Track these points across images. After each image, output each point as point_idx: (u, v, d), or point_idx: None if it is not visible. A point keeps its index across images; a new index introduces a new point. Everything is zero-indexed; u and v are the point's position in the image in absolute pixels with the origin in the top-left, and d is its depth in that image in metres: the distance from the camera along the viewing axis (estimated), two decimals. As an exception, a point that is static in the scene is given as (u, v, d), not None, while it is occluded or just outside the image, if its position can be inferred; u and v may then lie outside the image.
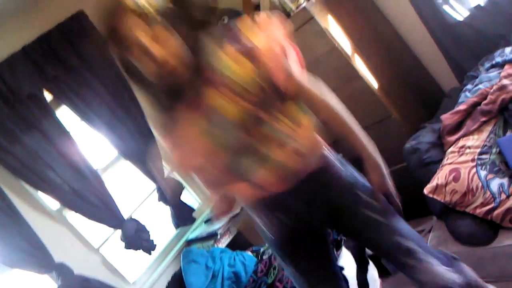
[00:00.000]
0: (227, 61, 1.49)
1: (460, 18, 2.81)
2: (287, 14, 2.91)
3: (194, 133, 1.56)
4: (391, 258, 1.69)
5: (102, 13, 1.50)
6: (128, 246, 3.27)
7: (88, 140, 3.50)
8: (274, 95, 1.53)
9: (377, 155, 1.66)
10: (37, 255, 2.88)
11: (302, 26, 2.80)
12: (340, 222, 1.71)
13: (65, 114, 3.36)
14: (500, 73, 2.43)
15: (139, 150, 3.46)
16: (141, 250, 3.33)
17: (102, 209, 3.20)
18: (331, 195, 1.66)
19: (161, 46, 1.45)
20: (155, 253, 3.46)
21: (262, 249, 3.05)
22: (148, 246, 3.33)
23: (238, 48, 1.50)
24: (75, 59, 3.33)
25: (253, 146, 1.53)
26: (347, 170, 1.72)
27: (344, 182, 1.68)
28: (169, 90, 1.57)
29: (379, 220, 1.66)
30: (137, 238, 3.26)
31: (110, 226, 3.27)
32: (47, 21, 3.29)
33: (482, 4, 2.71)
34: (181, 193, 3.63)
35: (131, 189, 3.73)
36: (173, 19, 1.47)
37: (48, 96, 3.26)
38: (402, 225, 1.69)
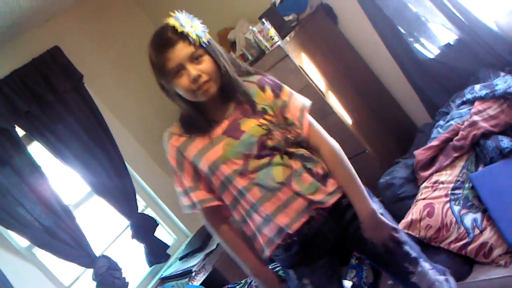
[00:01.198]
0: (263, 97, 1.72)
1: (431, 56, 2.88)
2: (262, 52, 2.95)
3: (226, 154, 1.67)
4: (397, 266, 1.79)
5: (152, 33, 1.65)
6: (100, 286, 3.18)
7: (60, 175, 3.44)
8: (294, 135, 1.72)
9: (364, 212, 1.75)
10: (3, 296, 2.78)
11: (277, 64, 2.84)
12: (348, 233, 1.79)
13: (37, 149, 3.31)
14: (470, 109, 2.48)
15: (113, 186, 3.41)
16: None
17: (73, 247, 3.12)
18: (346, 210, 1.76)
19: (198, 65, 1.59)
20: (128, 292, 3.37)
21: (237, 287, 3.00)
22: (121, 285, 3.25)
23: (271, 86, 1.75)
24: (49, 94, 3.31)
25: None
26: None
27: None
28: (202, 111, 1.69)
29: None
30: (109, 276, 3.18)
31: (81, 265, 3.18)
32: (21, 56, 3.28)
33: (451, 43, 2.79)
34: (155, 229, 3.58)
35: (104, 226, 3.65)
36: (212, 49, 1.64)
37: (20, 131, 3.21)
38: (406, 237, 1.83)
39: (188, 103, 1.66)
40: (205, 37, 1.62)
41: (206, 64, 1.60)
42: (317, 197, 1.68)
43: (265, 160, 1.66)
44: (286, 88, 1.78)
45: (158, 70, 1.61)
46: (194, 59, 1.58)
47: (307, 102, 1.79)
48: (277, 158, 1.67)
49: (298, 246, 1.74)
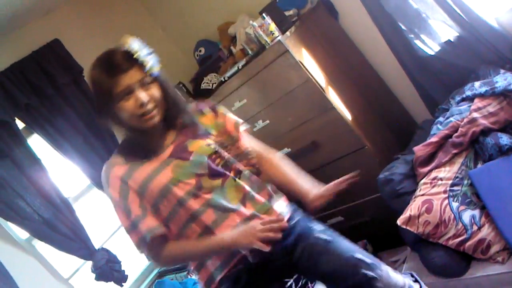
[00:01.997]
0: (205, 120, 1.79)
1: (431, 53, 2.87)
2: (262, 46, 2.95)
3: (177, 176, 1.66)
4: (355, 273, 1.68)
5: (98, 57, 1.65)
6: (98, 278, 3.19)
7: (60, 168, 3.44)
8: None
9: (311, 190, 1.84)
10: (3, 287, 2.78)
11: (277, 59, 2.84)
12: (294, 256, 1.77)
13: (37, 142, 3.31)
14: (470, 106, 2.49)
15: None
16: (112, 282, 3.25)
17: (72, 239, 3.13)
18: (290, 233, 1.78)
19: (146, 91, 1.59)
20: (126, 285, 3.37)
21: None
22: (120, 277, 3.26)
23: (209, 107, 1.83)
24: (49, 87, 3.30)
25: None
26: (298, 212, 1.88)
27: (299, 220, 1.84)
28: (145, 137, 1.68)
29: (333, 240, 1.76)
30: (108, 269, 3.18)
31: (80, 257, 3.19)
32: (21, 49, 3.27)
33: (452, 40, 2.79)
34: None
35: (103, 218, 3.66)
36: (162, 79, 1.66)
37: (20, 124, 3.21)
38: (355, 245, 1.80)
39: (130, 128, 1.65)
40: (157, 67, 1.63)
41: (154, 91, 1.61)
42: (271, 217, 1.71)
43: (218, 182, 1.68)
44: (221, 108, 1.86)
45: (103, 93, 1.58)
46: (143, 85, 1.59)
47: (240, 120, 1.89)
48: (230, 180, 1.70)
49: (246, 277, 1.74)
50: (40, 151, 3.24)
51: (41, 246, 3.17)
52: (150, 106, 1.58)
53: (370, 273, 1.66)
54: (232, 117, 1.87)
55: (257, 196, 1.75)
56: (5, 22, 3.12)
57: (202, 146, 1.69)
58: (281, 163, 1.93)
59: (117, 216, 1.72)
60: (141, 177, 1.65)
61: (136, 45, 1.61)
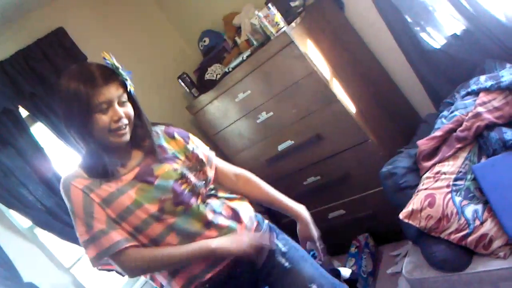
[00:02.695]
0: (174, 144, 1.80)
1: (437, 46, 2.86)
2: (267, 37, 2.93)
3: (139, 199, 1.64)
4: None
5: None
6: (101, 268, 3.19)
7: (63, 157, 3.45)
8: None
9: (300, 207, 1.93)
10: (5, 274, 2.80)
11: (282, 50, 2.83)
12: (258, 270, 1.82)
13: (40, 131, 3.31)
14: (475, 100, 2.47)
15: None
16: (114, 272, 3.26)
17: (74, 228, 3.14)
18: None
19: (122, 107, 1.61)
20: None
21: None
22: (122, 267, 3.26)
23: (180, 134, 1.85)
24: (53, 75, 3.29)
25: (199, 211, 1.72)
26: (264, 221, 1.94)
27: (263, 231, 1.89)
28: (107, 151, 1.65)
29: (292, 268, 1.81)
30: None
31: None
32: (25, 37, 3.27)
33: (458, 33, 2.77)
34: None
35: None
36: (135, 99, 1.71)
37: (23, 112, 3.21)
38: (318, 272, 1.85)
39: (97, 144, 1.62)
40: (132, 84, 1.66)
41: (129, 109, 1.64)
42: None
43: (181, 208, 1.67)
44: (193, 137, 1.89)
45: (79, 102, 1.53)
46: (121, 101, 1.61)
47: (212, 153, 1.93)
48: (194, 208, 1.69)
49: (232, 282, 1.76)
50: (43, 139, 3.25)
51: (43, 235, 3.18)
52: (124, 122, 1.60)
53: None
54: (205, 149, 1.92)
55: (220, 221, 1.74)
56: (10, 9, 3.12)
57: (169, 171, 1.69)
58: (259, 182, 1.97)
59: (75, 227, 1.66)
60: (103, 194, 1.62)
61: (115, 62, 1.64)
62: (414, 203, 2.32)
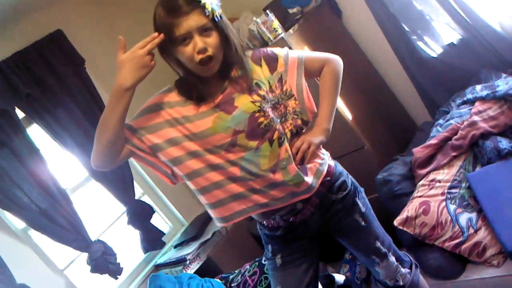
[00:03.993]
0: (259, 72, 1.71)
1: (434, 55, 2.88)
2: (265, 43, 2.94)
3: (215, 127, 1.63)
4: (366, 256, 1.92)
5: None
6: (94, 270, 3.19)
7: (58, 159, 3.44)
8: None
9: (320, 126, 1.83)
10: (-2, 276, 2.79)
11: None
12: (330, 222, 1.85)
13: (36, 132, 3.31)
14: (470, 109, 2.49)
15: (111, 172, 3.41)
16: (107, 274, 3.25)
17: (69, 230, 3.13)
18: (336, 200, 1.82)
19: (205, 38, 1.54)
20: (121, 278, 3.38)
21: (231, 277, 3.01)
22: (115, 270, 3.26)
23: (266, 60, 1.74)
24: (50, 77, 3.30)
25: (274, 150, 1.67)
26: (349, 178, 1.90)
27: (348, 190, 1.85)
28: (199, 81, 1.64)
29: (366, 227, 1.87)
30: (103, 261, 3.19)
31: (76, 248, 3.19)
32: (23, 38, 3.27)
33: (454, 43, 2.79)
34: (151, 216, 3.59)
35: (100, 211, 3.66)
36: (223, 26, 1.60)
37: (20, 113, 3.21)
38: (381, 230, 1.93)
39: (187, 71, 1.63)
40: (219, 11, 1.57)
41: (214, 39, 1.56)
42: (301, 188, 1.71)
43: (253, 143, 1.64)
44: (281, 57, 1.76)
45: (163, 32, 1.54)
46: (203, 31, 1.54)
47: (302, 57, 1.80)
48: (265, 145, 1.65)
49: (282, 230, 1.82)
50: (39, 141, 3.24)
51: (37, 236, 3.17)
52: (208, 53, 1.54)
53: (377, 260, 1.89)
54: (292, 58, 1.78)
55: (290, 166, 1.69)
56: (9, 11, 3.12)
57: (247, 102, 1.65)
58: (326, 80, 1.90)
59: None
60: (185, 112, 1.65)
61: None
62: (409, 210, 2.33)
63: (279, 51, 1.76)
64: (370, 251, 1.89)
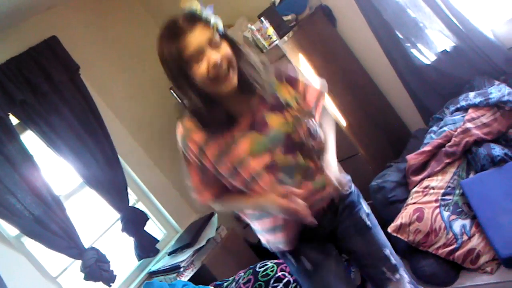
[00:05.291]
0: (284, 90, 1.67)
1: (427, 62, 2.89)
2: (259, 50, 2.95)
3: (253, 150, 1.60)
4: (376, 267, 1.79)
5: (165, 19, 1.53)
6: (87, 277, 3.17)
7: (52, 165, 3.43)
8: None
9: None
10: (-10, 283, 2.77)
11: (274, 63, 2.84)
12: (338, 223, 1.82)
13: (30, 139, 3.30)
14: (464, 116, 2.50)
15: (105, 178, 3.41)
16: (100, 282, 3.23)
17: (62, 237, 3.11)
18: (344, 197, 1.82)
19: (217, 51, 1.49)
20: (115, 285, 3.36)
21: (225, 284, 3.00)
22: (108, 277, 3.24)
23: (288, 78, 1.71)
24: (45, 84, 3.30)
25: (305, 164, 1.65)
26: (352, 184, 1.90)
27: (353, 188, 1.88)
28: (222, 105, 1.58)
29: (373, 228, 1.83)
30: (97, 268, 3.17)
31: (69, 256, 3.17)
32: (18, 44, 3.27)
33: (448, 50, 2.80)
34: (145, 223, 3.57)
35: (94, 218, 3.65)
36: (231, 37, 1.58)
37: (14, 119, 3.20)
38: (388, 242, 1.85)
39: (205, 97, 1.53)
40: (221, 23, 1.54)
41: (226, 50, 1.51)
42: (326, 191, 1.70)
43: (290, 158, 1.61)
44: (301, 79, 1.73)
45: (174, 61, 1.48)
46: (213, 44, 1.49)
47: (324, 87, 1.80)
48: (300, 158, 1.63)
49: (299, 235, 1.77)
50: (33, 147, 3.23)
51: (30, 244, 3.15)
52: (224, 66, 1.49)
53: (388, 274, 1.77)
54: (313, 88, 1.76)
55: (316, 171, 1.69)
56: (4, 16, 3.12)
57: (281, 122, 1.61)
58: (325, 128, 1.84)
59: (188, 172, 1.71)
60: (218, 147, 1.59)
61: (195, 4, 1.51)
62: (403, 217, 2.33)
63: (299, 75, 1.75)
64: (380, 260, 1.79)
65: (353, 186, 1.89)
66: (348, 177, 1.88)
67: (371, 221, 1.85)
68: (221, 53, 1.49)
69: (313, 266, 1.80)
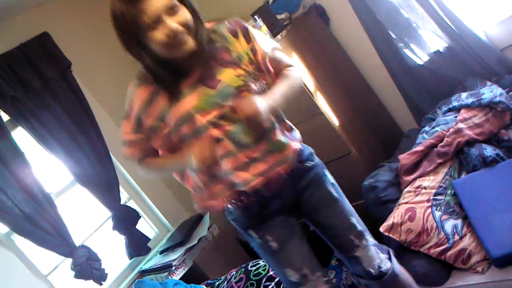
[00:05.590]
0: (237, 45, 1.65)
1: (420, 62, 2.90)
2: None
3: (201, 105, 1.58)
4: (344, 236, 1.85)
5: None
6: (78, 275, 3.15)
7: (43, 163, 3.41)
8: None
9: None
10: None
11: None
12: (303, 196, 1.82)
13: (21, 135, 3.27)
14: (456, 117, 2.51)
15: (96, 176, 3.39)
16: (91, 280, 3.22)
17: (53, 235, 3.09)
18: (307, 169, 1.82)
19: (175, 17, 1.47)
20: (106, 284, 3.34)
21: (217, 283, 3.00)
22: (99, 276, 3.22)
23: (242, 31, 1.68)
24: (36, 80, 3.27)
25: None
26: (315, 157, 1.89)
27: (317, 160, 1.88)
28: (173, 65, 1.57)
29: (340, 199, 1.86)
30: (88, 266, 3.15)
31: (60, 254, 3.15)
32: (9, 40, 3.24)
33: (441, 50, 2.81)
34: (137, 221, 3.56)
35: (85, 216, 3.63)
36: (189, 3, 1.55)
37: (4, 116, 3.17)
38: (353, 209, 1.92)
39: (159, 62, 1.54)
40: None
41: (183, 15, 1.49)
42: (277, 157, 1.69)
43: (238, 116, 1.56)
44: (251, 31, 1.70)
45: (128, 26, 1.46)
46: (171, 9, 1.47)
47: (270, 46, 1.74)
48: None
49: (257, 207, 1.76)
50: (24, 144, 3.21)
51: (21, 241, 3.13)
52: (181, 33, 1.47)
53: (356, 241, 1.84)
54: (261, 46, 1.70)
55: (274, 133, 1.68)
56: (-6, 13, 3.10)
57: (232, 76, 1.60)
58: (281, 80, 1.74)
59: (123, 125, 1.78)
60: (164, 101, 1.59)
61: None
62: (395, 216, 2.33)
63: (249, 27, 1.72)
64: (347, 229, 1.84)
65: (316, 158, 1.88)
66: (311, 150, 1.88)
67: (338, 191, 1.87)
68: (179, 19, 1.48)
69: (278, 244, 1.79)
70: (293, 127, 1.86)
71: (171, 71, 1.57)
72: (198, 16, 1.56)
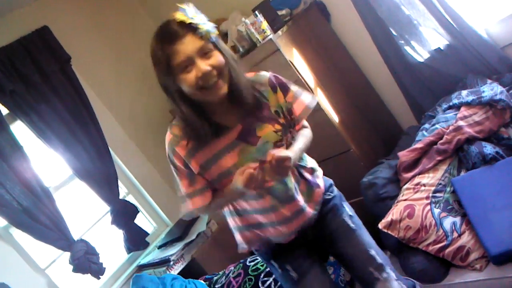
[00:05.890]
0: (275, 99, 1.67)
1: (421, 60, 2.89)
2: (253, 44, 2.94)
3: (242, 162, 1.58)
4: (363, 268, 1.80)
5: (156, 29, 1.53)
6: (76, 269, 3.15)
7: (42, 157, 3.40)
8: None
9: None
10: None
11: (268, 57, 2.83)
12: (322, 228, 1.84)
13: (20, 129, 3.26)
14: (456, 114, 2.51)
15: (95, 171, 3.38)
16: (89, 274, 3.22)
17: (51, 229, 3.09)
18: (326, 201, 1.84)
19: (207, 60, 1.48)
20: (104, 278, 3.34)
21: (215, 278, 3.00)
22: (97, 270, 3.22)
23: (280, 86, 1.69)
24: (36, 74, 3.26)
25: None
26: (335, 188, 1.93)
27: (335, 192, 1.91)
28: (210, 115, 1.58)
29: (357, 230, 1.84)
30: (85, 260, 3.15)
31: (58, 248, 3.15)
32: (9, 34, 3.23)
33: (442, 48, 2.81)
34: (135, 216, 3.56)
35: (84, 210, 3.62)
36: (222, 46, 1.55)
37: (3, 109, 3.16)
38: (374, 242, 1.85)
39: (193, 106, 1.54)
40: (214, 32, 1.52)
41: (216, 59, 1.49)
42: (311, 206, 1.77)
43: None
44: (292, 89, 1.73)
45: (162, 66, 1.48)
46: (204, 53, 1.47)
47: (312, 103, 1.79)
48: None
49: (283, 246, 1.81)
50: (23, 138, 3.20)
51: (19, 235, 3.13)
52: (213, 76, 1.48)
53: (376, 273, 1.76)
54: (303, 101, 1.75)
55: (302, 182, 1.75)
56: (-6, 6, 3.09)
57: (270, 132, 1.61)
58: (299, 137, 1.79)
59: (178, 181, 1.70)
60: (204, 157, 1.60)
61: (188, 11, 1.50)
62: (394, 213, 2.34)
63: (291, 85, 1.74)
64: (366, 261, 1.79)
65: (335, 189, 1.91)
66: (331, 181, 1.92)
67: (355, 222, 1.87)
68: (211, 62, 1.48)
69: (299, 275, 1.81)
70: (315, 167, 1.88)
71: (209, 123, 1.57)
72: (232, 67, 1.55)
